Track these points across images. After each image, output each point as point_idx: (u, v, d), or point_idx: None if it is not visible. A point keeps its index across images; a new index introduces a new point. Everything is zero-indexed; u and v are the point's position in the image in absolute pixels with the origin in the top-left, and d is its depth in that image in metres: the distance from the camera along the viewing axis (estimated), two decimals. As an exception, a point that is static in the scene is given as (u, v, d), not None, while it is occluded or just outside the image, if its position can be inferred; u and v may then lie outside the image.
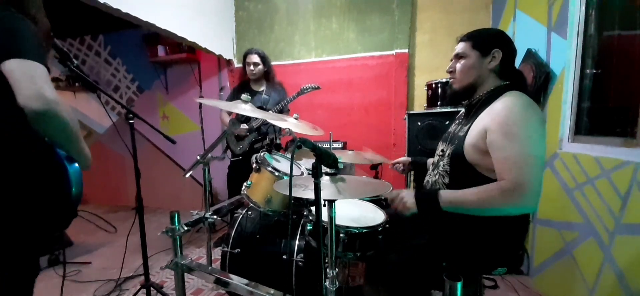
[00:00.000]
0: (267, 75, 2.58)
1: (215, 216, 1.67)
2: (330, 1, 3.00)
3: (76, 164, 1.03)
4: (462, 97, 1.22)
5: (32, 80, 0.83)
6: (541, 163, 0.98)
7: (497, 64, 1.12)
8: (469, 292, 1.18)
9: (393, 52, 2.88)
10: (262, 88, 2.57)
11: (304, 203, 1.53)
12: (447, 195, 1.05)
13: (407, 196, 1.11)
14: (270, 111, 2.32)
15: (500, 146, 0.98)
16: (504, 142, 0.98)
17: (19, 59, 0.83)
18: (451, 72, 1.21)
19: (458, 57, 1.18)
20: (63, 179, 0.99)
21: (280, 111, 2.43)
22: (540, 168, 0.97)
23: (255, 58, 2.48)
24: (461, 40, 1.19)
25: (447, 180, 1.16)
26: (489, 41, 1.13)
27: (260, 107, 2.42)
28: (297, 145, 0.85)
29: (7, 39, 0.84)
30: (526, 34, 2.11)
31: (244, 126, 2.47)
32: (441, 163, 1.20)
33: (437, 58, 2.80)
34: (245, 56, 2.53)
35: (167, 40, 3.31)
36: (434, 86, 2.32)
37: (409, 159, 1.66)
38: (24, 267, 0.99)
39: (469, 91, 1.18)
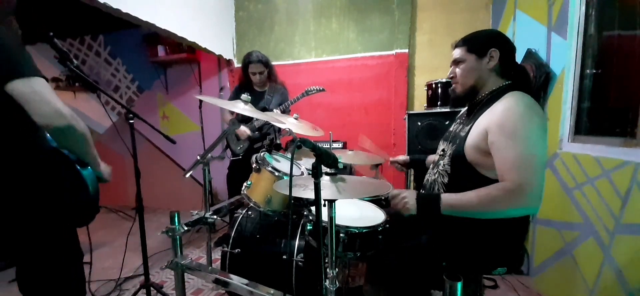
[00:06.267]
0: (270, 76, 2.57)
1: (215, 216, 1.67)
2: (330, 1, 3.00)
3: (89, 168, 1.09)
4: (465, 100, 1.23)
5: (43, 99, 0.87)
6: (543, 164, 0.98)
7: (496, 63, 1.12)
8: (469, 292, 1.18)
9: (393, 52, 2.88)
10: (265, 89, 2.57)
11: (304, 203, 1.53)
12: (448, 199, 1.04)
13: (409, 197, 1.09)
14: (274, 112, 2.31)
15: (501, 146, 0.98)
16: (505, 142, 0.97)
17: (21, 79, 0.86)
18: (452, 77, 1.22)
19: (456, 62, 1.20)
20: (77, 180, 1.04)
21: (283, 112, 2.42)
22: (542, 169, 0.97)
23: (259, 67, 2.44)
24: (456, 46, 1.20)
25: (446, 180, 1.16)
26: (484, 42, 1.13)
27: (263, 108, 2.42)
28: (297, 145, 0.85)
29: (1, 59, 0.86)
30: (526, 34, 2.11)
31: (244, 129, 2.45)
32: (441, 162, 1.20)
33: (437, 58, 2.80)
34: (247, 64, 2.46)
35: (167, 41, 3.30)
36: (433, 86, 2.32)
37: (408, 157, 1.67)
38: (63, 256, 1.08)
39: (472, 93, 1.18)
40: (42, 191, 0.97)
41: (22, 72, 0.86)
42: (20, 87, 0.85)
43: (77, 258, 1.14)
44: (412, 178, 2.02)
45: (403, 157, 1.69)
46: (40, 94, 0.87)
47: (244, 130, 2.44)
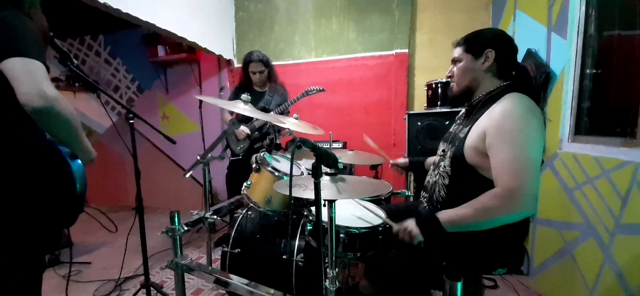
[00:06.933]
0: (270, 76, 2.57)
1: (215, 216, 1.67)
2: (330, 1, 3.00)
3: (79, 161, 1.04)
4: (462, 100, 1.23)
5: (31, 78, 0.83)
6: (538, 167, 0.98)
7: (492, 64, 1.12)
8: (469, 292, 1.19)
9: (393, 52, 2.88)
10: (265, 89, 2.57)
11: (304, 203, 1.53)
12: (445, 215, 1.05)
13: (411, 226, 1.09)
14: (272, 113, 2.32)
15: (498, 149, 0.98)
16: (501, 145, 0.98)
17: (18, 57, 0.83)
18: (450, 76, 1.24)
19: (454, 61, 1.21)
20: (67, 176, 1.00)
21: (282, 113, 2.42)
22: (537, 172, 0.97)
23: (260, 66, 2.44)
24: (457, 44, 1.21)
25: (447, 181, 1.16)
26: (480, 43, 1.14)
27: (263, 108, 2.42)
28: (297, 145, 0.85)
29: (6, 38, 0.85)
30: (526, 34, 2.11)
31: (242, 129, 2.45)
32: (442, 163, 1.20)
33: (437, 58, 2.80)
34: (247, 63, 2.46)
35: (167, 41, 3.30)
36: (433, 86, 2.32)
37: (407, 161, 1.67)
38: (32, 263, 1.01)
39: (467, 93, 1.19)
40: (40, 192, 0.94)
41: (22, 52, 0.84)
42: (12, 64, 0.82)
43: (42, 268, 1.08)
44: (412, 178, 2.02)
45: (403, 160, 1.69)
46: (30, 73, 0.83)
47: (242, 130, 2.44)
